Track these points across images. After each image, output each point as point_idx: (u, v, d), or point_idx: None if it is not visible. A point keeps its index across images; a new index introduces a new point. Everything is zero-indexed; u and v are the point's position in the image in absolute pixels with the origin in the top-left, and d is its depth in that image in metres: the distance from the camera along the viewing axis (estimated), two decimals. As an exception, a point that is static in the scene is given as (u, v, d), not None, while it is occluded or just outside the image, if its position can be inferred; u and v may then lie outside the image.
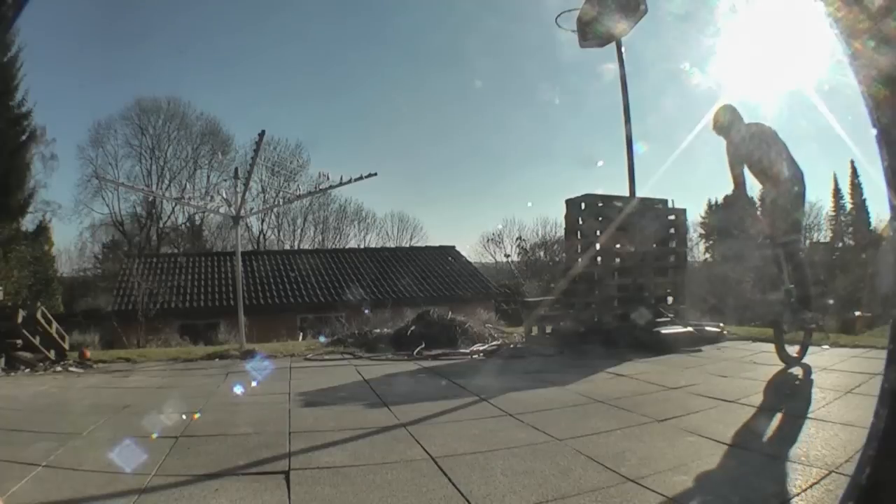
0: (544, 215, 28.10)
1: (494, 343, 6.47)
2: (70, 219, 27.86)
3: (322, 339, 7.52)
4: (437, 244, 23.24)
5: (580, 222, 6.68)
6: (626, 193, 6.61)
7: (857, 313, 10.87)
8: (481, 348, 6.17)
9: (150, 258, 20.66)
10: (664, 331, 5.68)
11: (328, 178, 8.40)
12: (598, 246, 6.35)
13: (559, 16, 6.94)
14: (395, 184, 41.19)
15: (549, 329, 6.66)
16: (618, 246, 6.43)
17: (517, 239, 28.69)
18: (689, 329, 5.87)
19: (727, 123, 4.59)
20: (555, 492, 2.06)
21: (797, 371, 4.27)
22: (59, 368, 5.66)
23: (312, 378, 4.79)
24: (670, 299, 6.60)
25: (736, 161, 4.53)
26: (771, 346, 5.63)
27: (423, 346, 6.17)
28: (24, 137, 19.74)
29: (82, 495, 2.10)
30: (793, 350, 4.44)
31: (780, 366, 4.55)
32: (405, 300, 15.84)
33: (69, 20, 29.06)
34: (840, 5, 1.04)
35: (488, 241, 29.53)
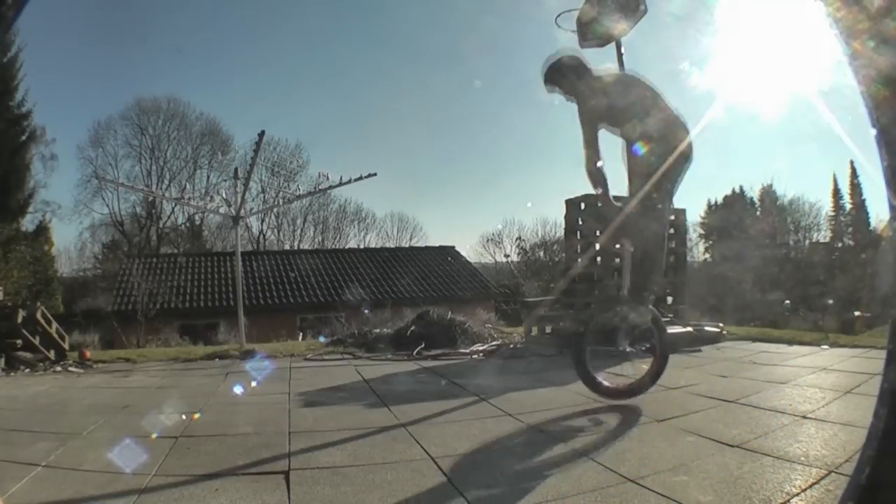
0: (544, 215, 28.05)
1: (494, 343, 6.47)
2: (70, 219, 27.83)
3: (322, 339, 7.52)
4: (436, 244, 23.24)
5: (580, 222, 6.68)
6: (627, 193, 6.60)
7: (857, 313, 10.88)
8: (481, 348, 6.17)
9: (150, 258, 20.65)
10: (664, 331, 5.67)
11: (328, 178, 8.43)
12: (597, 246, 6.35)
13: (559, 16, 6.91)
14: (394, 184, 41.10)
15: (548, 329, 6.66)
16: (617, 246, 6.43)
17: (517, 239, 28.64)
18: (689, 329, 5.87)
19: (569, 74, 3.51)
20: (555, 492, 2.06)
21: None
22: (58, 368, 5.66)
23: (312, 378, 4.79)
24: (670, 299, 6.61)
25: (590, 121, 3.42)
26: (771, 346, 5.68)
27: (423, 346, 6.17)
28: (24, 137, 19.74)
29: (82, 495, 2.10)
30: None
31: (776, 366, 4.57)
32: (405, 300, 15.83)
33: (69, 20, 29.03)
34: (840, 5, 1.04)
35: (488, 241, 29.49)
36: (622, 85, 3.58)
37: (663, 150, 3.36)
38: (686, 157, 3.44)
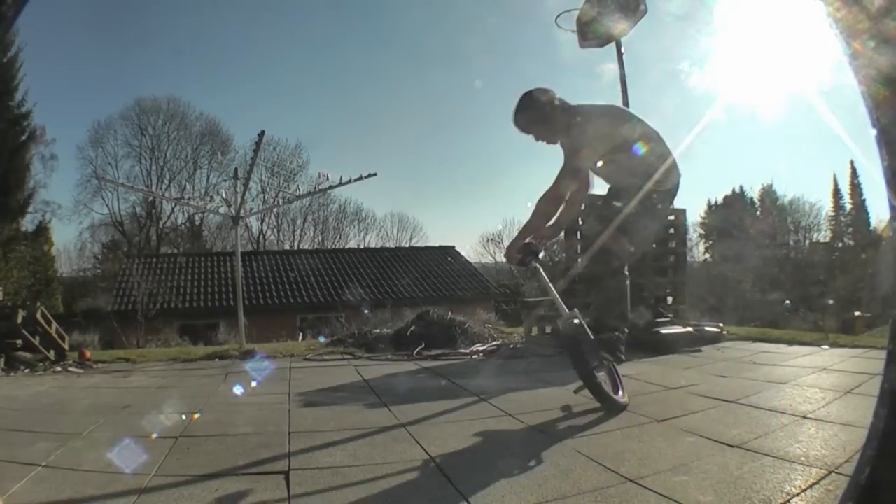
0: (544, 215, 28.00)
1: (494, 343, 6.46)
2: (70, 219, 27.94)
3: (322, 339, 7.52)
4: (436, 244, 23.27)
5: (580, 222, 6.68)
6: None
7: (857, 313, 10.89)
8: (481, 348, 6.17)
9: (150, 258, 20.70)
10: (664, 331, 5.67)
11: (328, 178, 8.44)
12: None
13: (559, 16, 6.93)
14: (394, 184, 41.24)
15: (548, 329, 6.66)
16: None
17: (517, 239, 28.59)
18: (689, 329, 5.86)
19: (548, 110, 3.30)
20: (555, 492, 2.06)
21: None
22: (58, 368, 5.66)
23: (312, 378, 4.78)
24: (670, 299, 6.60)
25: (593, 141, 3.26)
26: (771, 346, 5.67)
27: (423, 346, 6.17)
28: (24, 137, 19.77)
29: (82, 495, 2.10)
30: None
31: (776, 366, 4.55)
32: (405, 300, 15.86)
33: (69, 20, 29.06)
34: (840, 5, 1.04)
35: (488, 241, 29.57)
36: (621, 114, 3.58)
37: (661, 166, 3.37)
38: (672, 196, 3.51)
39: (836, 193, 26.13)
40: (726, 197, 27.55)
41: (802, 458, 2.28)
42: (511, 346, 6.41)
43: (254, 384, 4.66)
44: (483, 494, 2.05)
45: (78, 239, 28.34)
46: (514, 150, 41.48)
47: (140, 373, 5.42)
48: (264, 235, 30.99)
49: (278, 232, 31.80)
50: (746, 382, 3.93)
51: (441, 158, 41.41)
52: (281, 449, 2.66)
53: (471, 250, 28.23)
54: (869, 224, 23.78)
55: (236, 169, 9.43)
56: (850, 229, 25.21)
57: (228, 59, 37.57)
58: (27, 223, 20.12)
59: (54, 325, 6.32)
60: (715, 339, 5.96)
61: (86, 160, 28.01)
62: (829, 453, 2.32)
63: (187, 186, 27.00)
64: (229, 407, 3.79)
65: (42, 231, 20.76)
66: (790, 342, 5.74)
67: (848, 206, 25.94)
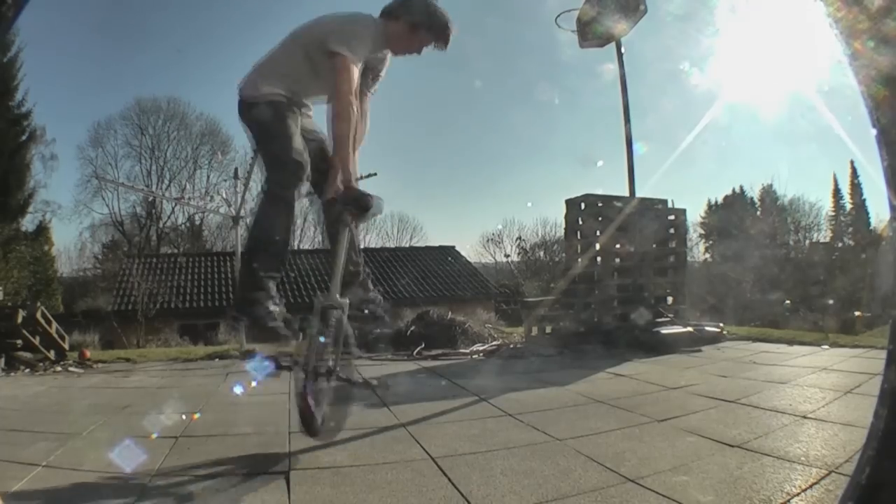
0: (544, 215, 28.06)
1: (494, 343, 6.47)
2: (70, 219, 27.82)
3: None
4: (437, 244, 23.24)
5: (580, 222, 6.68)
6: (626, 193, 6.61)
7: (857, 313, 10.88)
8: (481, 348, 6.17)
9: (150, 258, 20.67)
10: (664, 331, 5.68)
11: (328, 178, 8.41)
12: (597, 246, 6.36)
13: (559, 16, 6.94)
14: (394, 184, 41.14)
15: (548, 329, 6.66)
16: (617, 246, 6.44)
17: (517, 239, 28.64)
18: (689, 329, 5.87)
19: None
20: (555, 492, 2.06)
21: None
22: (59, 368, 5.65)
23: (312, 378, 4.77)
24: (670, 299, 6.61)
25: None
26: (771, 346, 5.68)
27: (423, 346, 6.17)
28: (24, 137, 19.74)
29: (82, 495, 2.10)
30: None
31: (776, 366, 4.55)
32: (405, 300, 15.83)
33: (69, 20, 29.05)
34: (840, 5, 1.04)
35: (488, 241, 29.48)
36: None
37: None
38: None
39: (836, 193, 26.11)
40: (726, 197, 27.54)
41: (802, 458, 2.28)
42: (511, 346, 6.41)
43: (254, 384, 4.65)
44: (483, 494, 2.05)
45: (78, 239, 28.27)
46: (514, 150, 41.55)
47: (140, 373, 5.41)
48: (264, 235, 30.93)
49: (278, 232, 31.76)
50: (746, 382, 3.93)
51: (441, 158, 41.39)
52: (281, 449, 2.66)
53: (471, 250, 28.15)
54: (869, 224, 23.76)
55: (236, 169, 9.45)
56: (850, 229, 25.18)
57: (228, 59, 37.58)
58: (27, 223, 20.09)
59: (54, 325, 6.32)
60: (715, 339, 5.96)
61: (86, 160, 27.92)
62: (829, 453, 2.32)
63: (187, 186, 27.03)
64: (229, 407, 3.79)
65: (42, 231, 20.72)
66: (790, 342, 5.74)
67: (848, 206, 25.93)
